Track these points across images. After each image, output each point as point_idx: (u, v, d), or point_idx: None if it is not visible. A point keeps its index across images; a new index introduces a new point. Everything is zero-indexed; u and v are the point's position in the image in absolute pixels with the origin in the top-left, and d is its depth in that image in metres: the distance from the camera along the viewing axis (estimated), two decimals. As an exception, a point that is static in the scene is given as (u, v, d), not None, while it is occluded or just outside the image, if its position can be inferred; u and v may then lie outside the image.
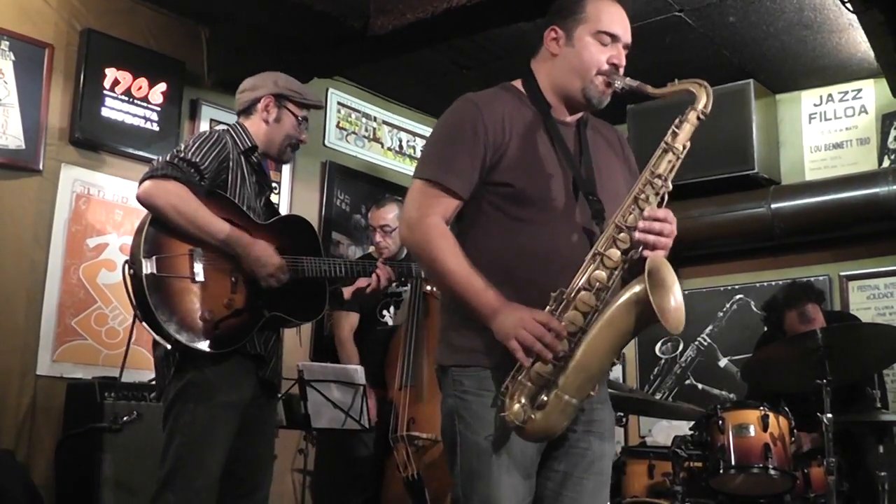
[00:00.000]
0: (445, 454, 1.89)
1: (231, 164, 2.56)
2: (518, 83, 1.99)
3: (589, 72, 1.88)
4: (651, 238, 1.74)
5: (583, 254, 1.79)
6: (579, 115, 1.98)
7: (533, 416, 1.71)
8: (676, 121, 1.82)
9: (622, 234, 1.76)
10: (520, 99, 1.95)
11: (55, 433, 3.49)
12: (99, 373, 3.55)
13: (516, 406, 1.72)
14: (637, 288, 1.70)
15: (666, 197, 1.79)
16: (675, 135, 1.81)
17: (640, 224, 1.74)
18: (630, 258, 1.77)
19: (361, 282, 3.00)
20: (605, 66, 1.88)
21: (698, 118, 1.81)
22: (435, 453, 3.49)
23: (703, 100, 1.82)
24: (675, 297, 1.73)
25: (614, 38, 1.90)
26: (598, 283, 1.75)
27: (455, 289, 1.80)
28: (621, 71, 1.90)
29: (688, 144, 1.81)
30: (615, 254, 1.76)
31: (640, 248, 1.75)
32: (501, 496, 1.77)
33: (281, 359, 2.70)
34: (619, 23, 1.91)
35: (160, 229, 2.43)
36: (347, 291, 3.16)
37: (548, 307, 1.75)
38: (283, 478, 4.09)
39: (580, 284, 1.75)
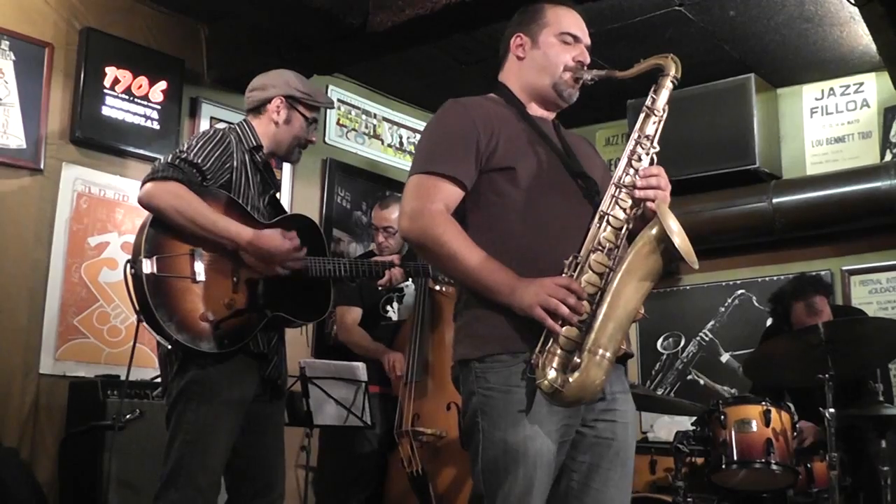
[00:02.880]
0: (469, 451, 1.87)
1: (235, 163, 2.55)
2: (492, 95, 2.08)
3: (557, 68, 2.01)
4: (651, 192, 1.85)
5: (586, 222, 1.86)
6: (553, 114, 2.09)
7: (570, 379, 1.73)
8: (652, 87, 1.95)
9: (622, 194, 1.86)
10: (497, 103, 2.03)
11: (58, 431, 3.50)
12: (101, 371, 3.56)
13: (551, 374, 1.73)
14: (652, 231, 1.80)
15: (655, 158, 1.91)
16: (653, 99, 1.93)
17: (639, 181, 1.85)
18: (633, 215, 1.86)
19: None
20: (572, 63, 2.01)
21: (672, 82, 1.94)
22: (440, 448, 3.49)
23: (673, 68, 1.94)
24: (682, 237, 1.81)
25: (576, 38, 2.04)
26: (608, 244, 1.83)
27: (468, 272, 1.81)
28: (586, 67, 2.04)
29: (667, 108, 1.94)
30: (620, 213, 1.85)
31: (642, 204, 1.85)
32: (527, 492, 1.77)
33: (284, 359, 2.69)
34: (578, 26, 2.06)
35: (161, 229, 2.43)
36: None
37: (564, 274, 1.79)
38: (286, 474, 4.09)
39: (592, 246, 1.82)
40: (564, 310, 1.72)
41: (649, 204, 1.84)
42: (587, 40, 2.06)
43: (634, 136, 1.91)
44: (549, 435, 1.79)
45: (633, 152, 1.89)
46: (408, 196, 1.88)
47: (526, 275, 1.79)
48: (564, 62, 2.01)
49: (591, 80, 2.01)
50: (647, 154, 1.89)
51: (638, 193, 1.85)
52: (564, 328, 1.74)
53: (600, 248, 1.81)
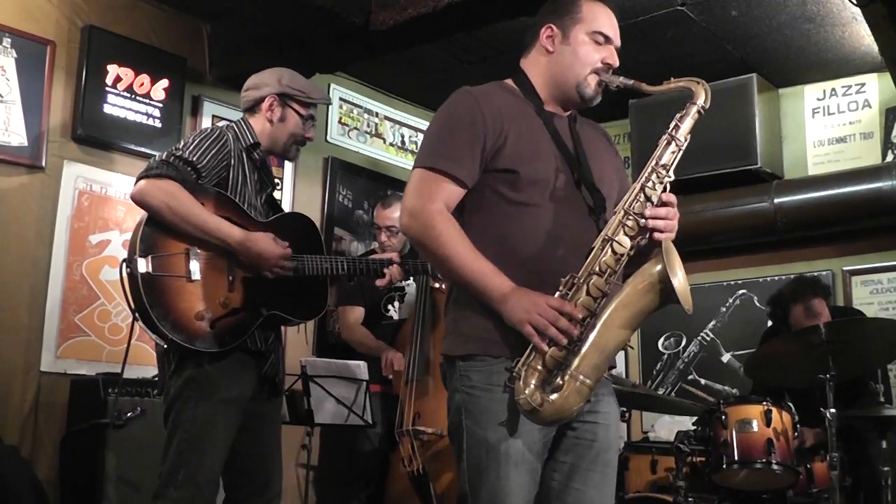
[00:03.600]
0: (452, 449, 1.89)
1: (232, 160, 2.55)
2: (509, 81, 2.03)
3: (584, 68, 1.96)
4: (661, 223, 1.81)
5: (586, 237, 1.84)
6: (570, 111, 2.04)
7: (549, 399, 1.72)
8: (678, 115, 1.89)
9: (630, 221, 1.82)
10: (513, 94, 1.99)
11: (59, 429, 3.50)
12: (102, 369, 3.56)
13: (529, 390, 1.72)
14: (655, 269, 1.76)
15: (668, 186, 1.86)
16: (677, 127, 1.88)
17: (649, 211, 1.81)
18: (637, 244, 1.82)
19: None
20: (600, 65, 1.96)
21: (698, 112, 1.88)
22: (440, 447, 3.49)
23: (702, 96, 1.89)
24: (682, 280, 1.79)
25: (608, 39, 1.98)
26: (608, 269, 1.79)
27: (462, 273, 1.81)
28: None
29: (689, 137, 1.89)
30: (625, 240, 1.82)
31: (648, 234, 1.81)
32: (510, 491, 1.77)
33: (282, 357, 2.69)
34: (612, 26, 2.00)
35: (156, 228, 2.43)
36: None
37: (558, 291, 1.77)
38: (287, 473, 4.06)
39: (592, 269, 1.79)
40: (553, 331, 1.71)
41: (656, 235, 1.81)
42: (618, 42, 2.01)
43: (651, 163, 1.86)
44: (532, 434, 1.80)
45: (647, 179, 1.84)
46: (409, 192, 1.89)
47: (520, 282, 1.78)
48: (593, 63, 1.95)
49: (616, 87, 1.96)
50: (661, 182, 1.84)
51: (649, 223, 1.81)
52: (552, 349, 1.73)
53: (599, 272, 1.79)
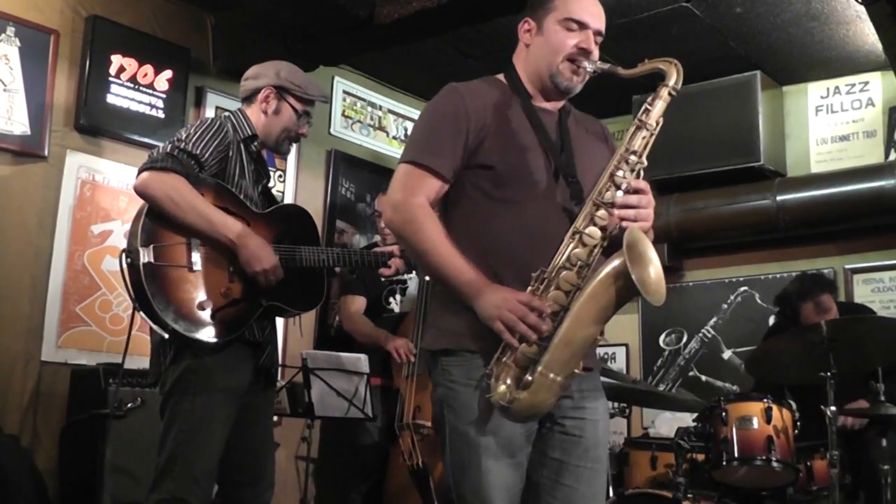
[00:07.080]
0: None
1: (231, 152, 2.54)
2: (500, 76, 2.04)
3: (557, 56, 1.94)
4: (630, 212, 1.77)
5: (564, 233, 1.82)
6: (560, 103, 2.03)
7: (518, 397, 1.73)
8: (649, 98, 1.87)
9: (600, 212, 1.80)
10: (502, 89, 2.00)
11: (59, 419, 3.51)
12: (103, 359, 3.57)
13: (502, 387, 1.74)
14: (617, 262, 1.72)
15: (642, 173, 1.84)
16: (647, 112, 1.86)
17: (618, 200, 1.78)
18: (610, 235, 1.80)
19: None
20: (573, 51, 1.93)
21: (670, 94, 1.86)
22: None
23: (674, 76, 1.86)
24: (655, 270, 1.74)
25: (582, 24, 1.94)
26: (578, 262, 1.78)
27: (438, 268, 1.83)
28: (594, 56, 1.94)
29: (661, 121, 1.86)
30: (595, 231, 1.80)
31: (619, 223, 1.78)
32: (490, 483, 1.79)
33: (277, 347, 2.69)
34: (588, 10, 1.96)
35: (158, 218, 2.42)
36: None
37: (529, 287, 1.77)
38: (287, 466, 4.10)
39: (561, 263, 1.78)
40: (522, 327, 1.71)
41: (625, 225, 1.76)
42: (597, 26, 1.96)
43: (620, 150, 1.84)
44: (513, 427, 1.81)
45: (616, 168, 1.82)
46: (393, 186, 1.92)
47: (498, 279, 1.79)
48: (565, 49, 1.92)
49: (592, 71, 1.92)
50: (633, 170, 1.82)
51: (616, 213, 1.78)
52: (521, 345, 1.73)
53: (570, 265, 1.77)
